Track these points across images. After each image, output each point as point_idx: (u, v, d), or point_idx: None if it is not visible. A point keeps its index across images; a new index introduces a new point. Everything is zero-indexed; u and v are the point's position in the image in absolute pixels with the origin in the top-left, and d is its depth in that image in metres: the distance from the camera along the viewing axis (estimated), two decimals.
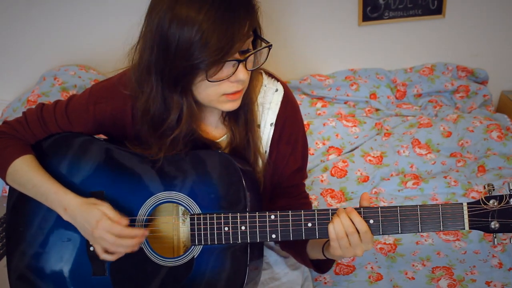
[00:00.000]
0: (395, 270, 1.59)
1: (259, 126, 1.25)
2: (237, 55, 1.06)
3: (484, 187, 1.10)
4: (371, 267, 1.61)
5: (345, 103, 2.50)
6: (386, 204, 1.87)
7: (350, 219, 1.11)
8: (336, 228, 1.12)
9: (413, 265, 1.61)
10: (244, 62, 1.07)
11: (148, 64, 1.08)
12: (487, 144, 2.13)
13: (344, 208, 1.14)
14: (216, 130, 1.27)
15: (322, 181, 2.01)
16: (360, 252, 1.13)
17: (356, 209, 1.14)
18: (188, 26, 1.00)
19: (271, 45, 1.11)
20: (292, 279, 1.45)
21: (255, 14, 1.07)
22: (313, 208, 1.35)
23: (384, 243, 1.70)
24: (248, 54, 1.07)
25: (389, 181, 2.00)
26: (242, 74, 1.07)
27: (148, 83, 1.11)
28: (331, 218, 1.14)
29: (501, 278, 1.55)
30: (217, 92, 1.10)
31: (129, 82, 1.16)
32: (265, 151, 1.28)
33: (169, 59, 1.04)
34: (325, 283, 1.56)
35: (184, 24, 1.00)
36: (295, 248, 1.33)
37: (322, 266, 1.30)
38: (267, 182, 1.31)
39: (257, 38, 1.11)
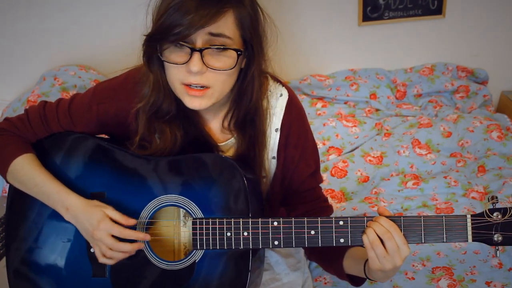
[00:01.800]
0: None
1: (264, 132, 1.24)
2: (199, 45, 1.04)
3: (488, 200, 1.09)
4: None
5: (345, 103, 2.50)
6: (386, 205, 1.87)
7: (382, 225, 1.08)
8: (370, 236, 1.08)
9: (413, 265, 1.62)
10: (200, 53, 1.03)
11: None
12: (487, 144, 2.13)
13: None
14: (220, 134, 1.26)
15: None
16: (399, 260, 1.08)
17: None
18: None
19: (240, 51, 1.07)
20: (292, 280, 1.45)
21: (233, 15, 1.04)
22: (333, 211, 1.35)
23: None
24: (204, 48, 1.03)
25: (389, 181, 2.00)
26: (194, 65, 1.03)
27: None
28: (334, 225, 1.12)
29: (501, 278, 1.55)
30: (175, 76, 1.08)
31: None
32: (273, 157, 1.27)
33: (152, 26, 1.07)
34: (325, 283, 1.56)
35: None
36: (327, 261, 1.29)
37: (357, 279, 1.26)
38: (277, 187, 1.30)
39: (247, 46, 1.09)
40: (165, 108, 1.17)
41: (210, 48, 1.04)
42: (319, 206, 1.33)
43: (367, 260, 1.14)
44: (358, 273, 1.20)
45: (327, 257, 1.27)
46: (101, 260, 1.18)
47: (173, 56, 1.06)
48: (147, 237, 1.18)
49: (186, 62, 1.04)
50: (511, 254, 1.62)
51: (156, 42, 1.06)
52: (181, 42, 1.03)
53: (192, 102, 1.09)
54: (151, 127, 1.19)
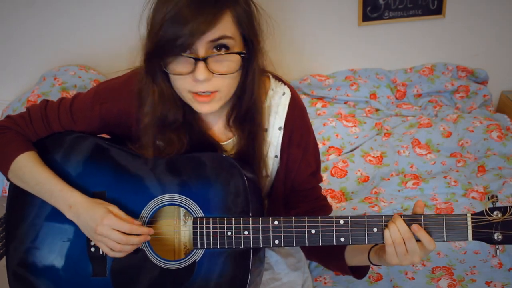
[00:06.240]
0: (395, 270, 1.60)
1: (266, 130, 1.24)
2: (202, 53, 1.03)
3: (488, 198, 1.09)
4: (371, 267, 1.61)
5: (345, 103, 2.50)
6: (386, 204, 1.87)
7: (407, 225, 1.09)
8: (393, 234, 1.09)
9: (413, 265, 1.62)
10: (204, 62, 1.03)
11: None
12: (487, 144, 2.13)
13: (400, 215, 1.11)
14: (222, 133, 1.26)
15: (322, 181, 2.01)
16: (418, 259, 1.09)
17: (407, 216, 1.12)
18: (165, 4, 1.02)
19: (243, 53, 1.07)
20: (292, 279, 1.45)
21: (230, 14, 1.04)
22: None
23: None
24: (208, 56, 1.03)
25: (389, 181, 2.00)
26: (200, 73, 1.03)
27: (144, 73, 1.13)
28: (334, 225, 1.12)
29: (501, 278, 1.55)
30: (183, 87, 1.08)
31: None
32: (276, 156, 1.27)
33: (146, 40, 1.06)
34: (325, 283, 1.56)
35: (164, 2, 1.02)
36: (327, 258, 1.29)
37: (359, 272, 1.27)
38: (280, 187, 1.30)
39: (247, 43, 1.08)
40: (171, 117, 1.16)
41: (213, 55, 1.04)
42: (319, 205, 1.33)
43: (371, 248, 1.16)
44: (360, 262, 1.21)
45: (327, 254, 1.28)
46: (111, 254, 1.18)
47: (179, 67, 1.05)
48: (151, 231, 1.18)
49: (192, 71, 1.04)
50: (511, 254, 1.62)
51: (159, 58, 1.05)
52: (183, 54, 1.03)
53: (202, 107, 1.10)
54: (158, 137, 1.19)
